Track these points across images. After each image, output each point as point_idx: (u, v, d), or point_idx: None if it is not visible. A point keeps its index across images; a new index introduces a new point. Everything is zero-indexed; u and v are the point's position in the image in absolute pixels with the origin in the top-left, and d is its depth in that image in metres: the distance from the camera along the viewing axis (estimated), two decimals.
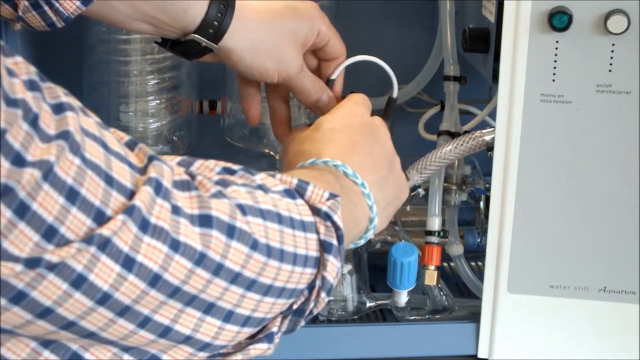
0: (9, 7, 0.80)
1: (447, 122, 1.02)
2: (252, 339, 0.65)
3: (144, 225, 0.54)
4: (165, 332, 0.58)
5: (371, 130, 0.82)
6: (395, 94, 0.92)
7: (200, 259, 0.57)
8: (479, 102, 1.14)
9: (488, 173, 0.93)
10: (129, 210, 0.53)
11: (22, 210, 0.49)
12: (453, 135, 1.01)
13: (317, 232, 0.66)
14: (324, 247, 0.66)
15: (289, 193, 0.66)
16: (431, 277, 0.97)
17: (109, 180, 0.53)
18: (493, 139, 0.90)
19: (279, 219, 0.63)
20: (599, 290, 0.92)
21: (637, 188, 0.89)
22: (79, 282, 0.52)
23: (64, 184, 0.50)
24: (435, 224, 0.98)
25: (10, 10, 0.80)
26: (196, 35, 0.82)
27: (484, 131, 0.93)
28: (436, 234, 0.98)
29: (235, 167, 0.66)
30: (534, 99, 0.88)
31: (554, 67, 0.87)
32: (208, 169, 0.64)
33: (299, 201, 0.66)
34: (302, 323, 0.68)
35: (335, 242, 0.66)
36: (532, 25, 0.86)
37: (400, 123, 0.92)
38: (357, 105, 0.85)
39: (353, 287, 0.98)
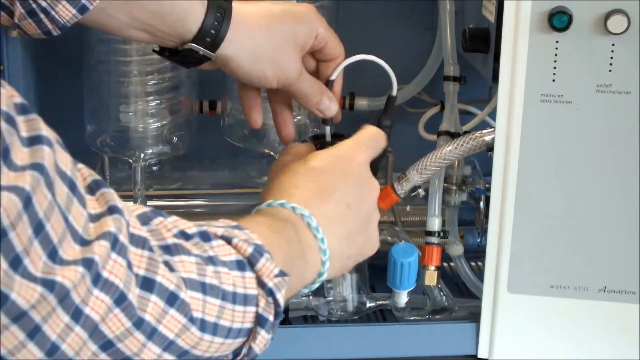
0: (5, 14, 0.79)
1: (447, 122, 1.02)
2: None
3: (96, 279, 0.54)
4: None
5: (360, 181, 0.82)
6: (394, 92, 0.92)
7: (139, 322, 0.58)
8: (479, 102, 1.14)
9: (488, 173, 0.93)
10: (88, 263, 0.54)
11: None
12: (453, 135, 1.01)
13: (257, 305, 0.67)
14: (260, 320, 0.67)
15: (240, 265, 0.66)
16: (431, 278, 0.97)
17: (67, 221, 0.53)
18: (493, 139, 0.90)
19: (222, 294, 0.64)
20: (599, 290, 0.92)
21: (637, 188, 0.89)
22: (34, 332, 0.53)
23: (36, 216, 0.51)
24: (435, 224, 0.98)
25: (7, 18, 0.80)
26: (193, 45, 0.82)
27: (484, 131, 0.93)
28: (436, 234, 0.98)
29: (192, 230, 0.65)
30: (534, 99, 0.88)
31: (554, 67, 0.87)
32: (166, 228, 0.64)
33: (248, 274, 0.67)
34: None
35: (271, 318, 0.67)
36: (532, 25, 0.86)
37: (400, 123, 0.92)
38: (360, 149, 0.84)
39: (353, 287, 0.98)
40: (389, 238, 1.02)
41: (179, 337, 0.61)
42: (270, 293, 0.67)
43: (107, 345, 0.57)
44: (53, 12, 0.79)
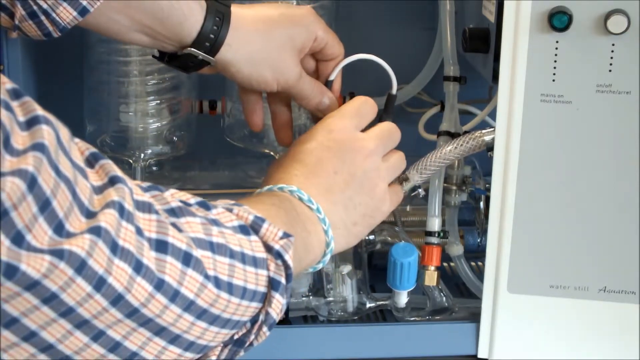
0: (6, 16, 0.80)
1: (447, 122, 1.02)
2: None
3: (114, 248, 0.55)
4: (114, 347, 0.59)
5: (340, 147, 0.82)
6: (394, 90, 0.92)
7: (159, 284, 0.58)
8: (479, 102, 1.14)
9: (488, 173, 0.93)
10: (96, 231, 0.54)
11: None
12: (453, 135, 1.01)
13: (268, 269, 0.67)
14: (272, 284, 0.67)
15: (244, 229, 0.67)
16: (431, 278, 0.97)
17: (74, 195, 0.54)
18: (493, 139, 0.90)
19: (230, 253, 0.64)
20: (599, 290, 0.92)
21: (637, 188, 0.89)
22: (50, 299, 0.53)
23: (43, 195, 0.51)
24: (435, 224, 0.98)
25: (7, 19, 0.80)
26: (193, 49, 0.82)
27: (484, 131, 0.93)
28: (436, 235, 0.98)
29: (192, 200, 0.66)
30: (534, 99, 0.88)
31: (554, 67, 0.87)
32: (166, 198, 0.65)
33: (253, 237, 0.67)
34: (242, 353, 0.69)
35: (283, 280, 0.68)
36: (532, 25, 0.86)
37: (400, 123, 0.92)
38: (339, 119, 0.84)
39: (353, 287, 0.98)
40: (389, 238, 1.02)
41: (198, 297, 0.61)
42: (278, 255, 0.68)
43: (132, 312, 0.58)
44: (54, 14, 0.79)
